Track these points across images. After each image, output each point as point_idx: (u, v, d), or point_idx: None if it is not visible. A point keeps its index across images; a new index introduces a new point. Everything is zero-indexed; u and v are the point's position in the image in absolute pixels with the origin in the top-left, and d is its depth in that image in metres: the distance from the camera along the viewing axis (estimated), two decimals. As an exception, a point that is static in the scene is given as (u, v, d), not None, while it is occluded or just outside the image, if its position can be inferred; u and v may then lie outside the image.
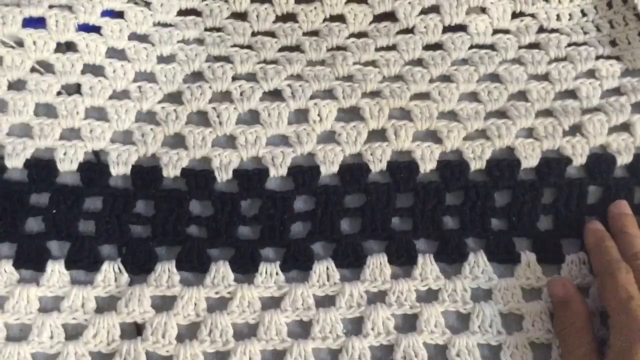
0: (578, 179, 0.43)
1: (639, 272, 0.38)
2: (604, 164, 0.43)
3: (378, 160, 0.43)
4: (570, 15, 0.48)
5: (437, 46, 0.47)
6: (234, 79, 0.45)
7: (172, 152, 0.43)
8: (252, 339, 0.38)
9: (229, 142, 0.44)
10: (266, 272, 0.40)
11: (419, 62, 0.46)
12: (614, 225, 0.41)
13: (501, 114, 0.45)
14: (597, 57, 0.46)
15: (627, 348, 0.35)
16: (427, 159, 0.43)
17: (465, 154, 0.43)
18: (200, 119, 0.44)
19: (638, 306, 0.36)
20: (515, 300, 0.39)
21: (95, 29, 0.45)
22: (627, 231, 0.40)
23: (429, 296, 0.40)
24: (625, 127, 0.44)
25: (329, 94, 0.45)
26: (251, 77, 0.45)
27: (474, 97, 0.45)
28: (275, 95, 0.45)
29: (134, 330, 0.39)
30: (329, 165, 0.43)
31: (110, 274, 0.40)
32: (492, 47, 0.47)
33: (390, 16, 0.47)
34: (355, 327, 0.39)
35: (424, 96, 0.45)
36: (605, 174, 0.43)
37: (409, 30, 0.47)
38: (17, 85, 0.44)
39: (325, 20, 0.47)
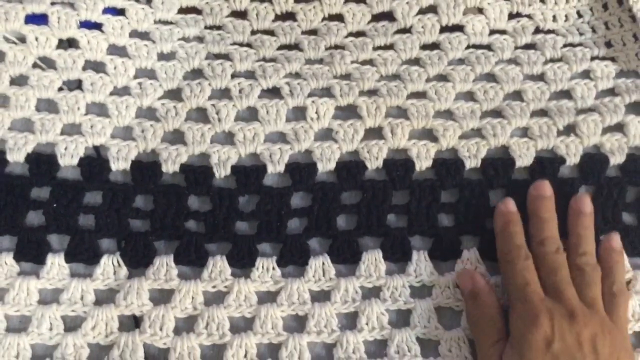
0: (570, 178, 0.43)
1: (542, 258, 0.38)
2: (597, 163, 0.43)
3: (374, 157, 0.44)
4: (566, 16, 0.49)
5: (434, 46, 0.47)
6: (233, 76, 0.46)
7: (171, 148, 0.44)
8: (248, 332, 0.39)
9: (228, 138, 0.44)
10: (263, 266, 0.41)
11: (416, 61, 0.47)
12: (529, 207, 0.41)
13: (497, 113, 0.45)
14: (593, 58, 0.47)
15: (525, 333, 0.35)
16: (423, 157, 0.44)
17: (460, 153, 0.44)
18: (200, 115, 0.45)
19: (534, 292, 0.37)
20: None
21: (97, 26, 0.46)
22: (540, 215, 0.40)
23: (423, 292, 0.41)
24: (619, 127, 0.45)
25: (326, 92, 0.46)
26: (250, 74, 0.46)
27: (470, 96, 0.46)
28: (273, 92, 0.45)
29: (132, 323, 0.40)
30: (326, 163, 0.43)
31: (109, 267, 0.41)
32: (488, 47, 0.47)
33: (388, 16, 0.48)
34: (350, 321, 0.40)
35: (420, 95, 0.46)
36: (598, 173, 0.43)
37: (407, 30, 0.47)
38: (19, 81, 0.45)
39: (324, 19, 0.48)
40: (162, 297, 0.40)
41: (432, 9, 0.48)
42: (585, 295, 0.37)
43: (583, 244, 0.39)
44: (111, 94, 0.45)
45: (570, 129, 0.45)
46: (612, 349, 0.35)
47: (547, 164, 0.43)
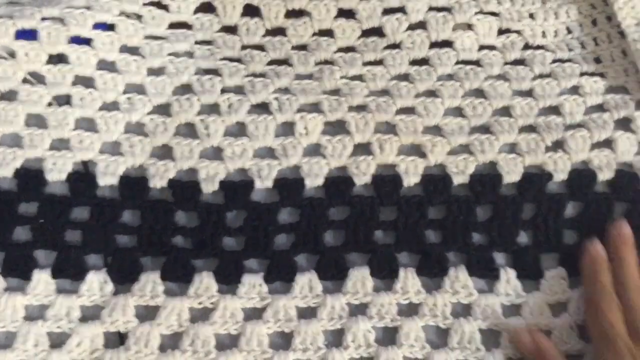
0: (558, 194, 0.43)
1: (628, 302, 0.38)
2: (585, 179, 0.43)
3: (362, 173, 0.44)
4: (555, 32, 0.49)
5: (423, 61, 0.47)
6: (222, 91, 0.46)
7: (159, 163, 0.44)
8: (233, 349, 0.39)
9: (216, 154, 0.44)
10: (249, 283, 0.41)
11: (405, 77, 0.47)
12: (611, 248, 0.40)
13: (485, 129, 0.45)
14: (581, 74, 0.47)
15: None
16: (411, 173, 0.44)
17: (448, 169, 0.44)
18: (188, 130, 0.45)
19: (619, 335, 0.36)
20: (495, 317, 0.40)
21: (87, 41, 0.46)
22: (622, 255, 0.40)
23: (410, 310, 0.40)
24: (608, 143, 0.45)
25: (315, 107, 0.46)
26: (239, 89, 0.46)
27: (458, 112, 0.46)
28: (262, 108, 0.46)
29: (117, 340, 0.40)
30: (314, 178, 0.43)
31: (95, 284, 0.41)
32: (477, 62, 0.47)
33: (378, 31, 0.48)
34: (336, 339, 0.40)
35: (409, 111, 0.46)
36: (586, 189, 0.43)
37: (396, 46, 0.48)
38: (8, 96, 0.45)
39: (314, 34, 0.48)
40: (147, 314, 0.40)
41: (422, 25, 0.48)
42: None
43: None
44: (100, 109, 0.45)
45: (558, 145, 0.45)
46: None
47: (535, 180, 0.43)
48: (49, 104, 0.45)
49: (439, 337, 0.40)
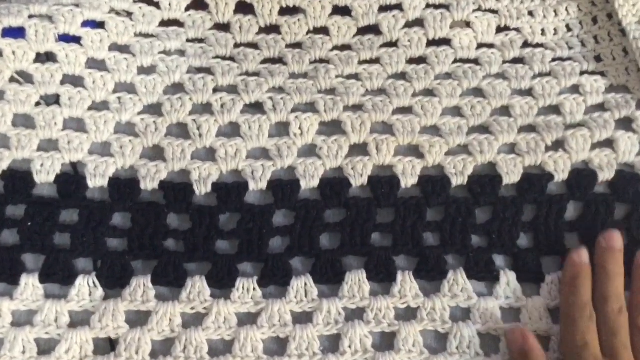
0: (558, 195, 0.42)
1: (603, 317, 0.37)
2: (585, 180, 0.42)
3: (359, 174, 0.43)
4: (555, 30, 0.48)
5: (420, 60, 0.46)
6: (215, 90, 0.45)
7: (150, 165, 0.42)
8: (227, 355, 0.38)
9: (209, 154, 0.43)
10: (243, 287, 0.40)
11: (402, 75, 0.46)
12: (597, 259, 0.40)
13: (484, 129, 0.44)
14: (582, 73, 0.46)
15: None
16: (409, 174, 0.43)
17: (446, 170, 0.43)
18: (180, 131, 0.44)
19: (592, 355, 0.36)
20: (494, 321, 0.39)
21: (76, 40, 0.45)
22: (607, 268, 0.39)
23: (408, 314, 0.40)
24: (609, 143, 0.44)
25: (310, 107, 0.45)
26: (232, 89, 0.45)
27: (456, 111, 0.45)
28: (256, 107, 0.45)
29: (108, 346, 0.39)
30: (310, 180, 0.42)
31: (85, 288, 0.40)
32: (476, 61, 0.46)
33: (374, 29, 0.47)
34: (333, 344, 0.39)
35: (406, 110, 0.45)
36: (586, 190, 0.42)
37: (393, 44, 0.47)
38: (-5, 96, 0.44)
39: (308, 32, 0.47)
40: (138, 319, 0.39)
41: (419, 23, 0.47)
42: None
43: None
44: (89, 109, 0.44)
45: (558, 145, 0.44)
46: None
47: (535, 180, 0.42)
48: (37, 104, 0.44)
49: (438, 342, 0.39)
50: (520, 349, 0.37)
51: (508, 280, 0.40)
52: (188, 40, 0.46)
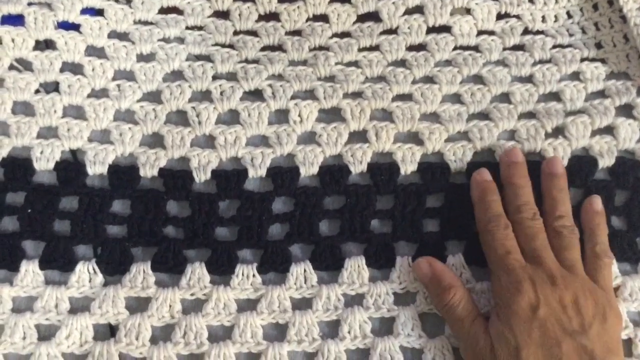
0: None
1: (519, 225, 0.38)
2: (586, 166, 0.42)
3: (358, 161, 0.43)
4: (555, 17, 0.48)
5: (420, 47, 0.46)
6: (214, 78, 0.45)
7: (150, 152, 0.42)
8: (226, 341, 0.38)
9: (208, 142, 0.43)
10: (243, 273, 0.40)
11: (402, 62, 0.46)
12: (502, 175, 0.41)
13: (484, 115, 0.44)
14: (582, 60, 0.46)
15: (510, 302, 0.35)
16: (408, 161, 0.43)
17: (446, 156, 0.43)
18: (180, 118, 0.44)
19: (515, 260, 0.37)
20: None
21: (75, 27, 0.45)
22: (513, 182, 0.40)
23: (407, 299, 0.40)
24: (609, 130, 0.44)
25: (310, 94, 0.45)
26: (232, 76, 0.45)
27: (456, 98, 0.45)
28: (255, 95, 0.44)
29: (108, 332, 0.39)
30: (309, 167, 0.42)
31: (85, 275, 0.40)
32: (476, 48, 0.46)
33: (374, 16, 0.47)
34: (332, 330, 0.39)
35: (406, 97, 0.45)
36: (586, 176, 0.42)
37: (393, 31, 0.46)
38: (-6, 83, 0.43)
39: (308, 19, 0.47)
40: (138, 305, 0.39)
41: (419, 10, 0.47)
42: (564, 258, 0.38)
43: (559, 206, 0.39)
44: (89, 96, 0.44)
45: (558, 132, 0.44)
46: (596, 309, 0.35)
47: (535, 167, 0.42)
48: (37, 91, 0.44)
49: (436, 326, 0.39)
50: (431, 278, 0.38)
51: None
52: (187, 28, 0.46)
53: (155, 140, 0.43)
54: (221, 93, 0.44)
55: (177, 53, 0.45)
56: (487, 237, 0.39)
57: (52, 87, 0.44)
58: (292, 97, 0.44)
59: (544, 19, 0.48)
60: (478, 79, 0.45)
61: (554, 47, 0.47)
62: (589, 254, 0.39)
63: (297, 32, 0.47)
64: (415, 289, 0.40)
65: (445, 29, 0.47)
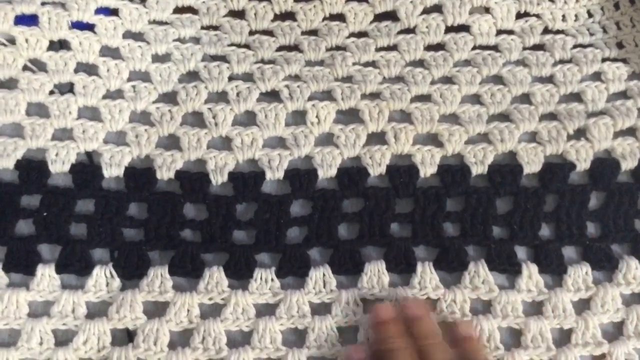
0: (581, 185, 0.41)
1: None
2: (608, 169, 0.42)
3: (377, 164, 0.42)
4: (576, 16, 0.47)
5: (439, 47, 0.46)
6: (231, 79, 0.44)
7: (166, 154, 0.42)
8: (245, 347, 0.38)
9: (225, 143, 0.43)
10: (261, 278, 0.39)
11: (420, 63, 0.45)
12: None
13: (504, 117, 0.44)
14: (603, 60, 0.45)
15: None
16: (428, 163, 0.42)
17: (466, 159, 0.42)
18: (196, 119, 0.43)
19: None
20: (515, 315, 0.38)
21: (89, 27, 0.44)
22: (415, 314, 0.37)
23: (428, 305, 0.39)
24: (631, 131, 0.43)
25: (327, 95, 0.44)
26: (248, 77, 0.44)
27: (476, 99, 0.44)
28: (272, 96, 0.44)
29: (125, 337, 0.39)
30: (327, 169, 0.42)
31: (102, 279, 0.39)
32: (495, 48, 0.46)
33: (392, 15, 0.46)
34: (352, 335, 0.38)
35: (425, 98, 0.44)
36: (609, 179, 0.42)
37: (411, 30, 0.46)
38: (8, 84, 0.43)
39: (324, 19, 0.46)
40: (156, 310, 0.39)
41: (437, 9, 0.46)
42: None
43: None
44: (104, 97, 0.43)
45: (580, 133, 0.43)
46: None
47: (556, 170, 0.42)
48: (51, 92, 0.43)
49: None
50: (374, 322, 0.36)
51: (530, 272, 0.39)
52: (202, 28, 0.46)
53: (171, 142, 0.43)
54: (237, 94, 0.44)
55: (192, 53, 0.44)
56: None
57: (67, 88, 0.43)
58: (310, 98, 0.44)
59: (564, 18, 0.47)
60: (498, 80, 0.45)
61: (575, 46, 0.46)
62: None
63: (313, 32, 0.46)
64: (437, 295, 0.39)
65: (464, 28, 0.46)
